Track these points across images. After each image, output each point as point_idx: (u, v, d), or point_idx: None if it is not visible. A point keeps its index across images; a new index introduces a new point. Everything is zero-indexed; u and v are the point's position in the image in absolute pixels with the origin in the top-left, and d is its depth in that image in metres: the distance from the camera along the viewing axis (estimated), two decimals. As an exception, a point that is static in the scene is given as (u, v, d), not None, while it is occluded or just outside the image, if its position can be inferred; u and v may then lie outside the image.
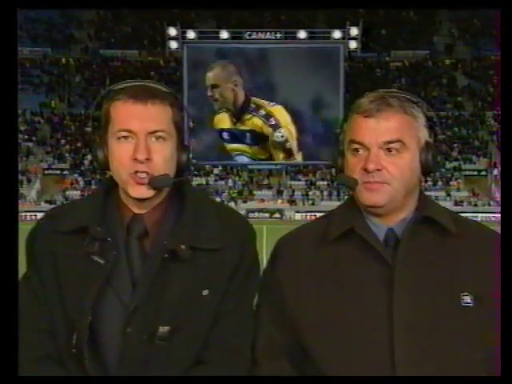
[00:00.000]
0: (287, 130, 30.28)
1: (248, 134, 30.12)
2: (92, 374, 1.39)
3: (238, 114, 29.99)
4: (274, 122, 29.93)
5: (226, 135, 30.68)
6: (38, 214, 22.65)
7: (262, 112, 29.89)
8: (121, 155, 1.41)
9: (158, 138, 1.42)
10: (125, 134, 1.41)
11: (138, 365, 1.40)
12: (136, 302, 1.41)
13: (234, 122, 30.27)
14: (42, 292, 1.46)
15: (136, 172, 1.40)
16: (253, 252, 1.55)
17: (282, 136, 30.22)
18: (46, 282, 1.46)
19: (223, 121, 30.42)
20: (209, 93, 29.54)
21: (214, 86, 29.39)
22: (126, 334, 1.40)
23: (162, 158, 1.42)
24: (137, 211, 1.48)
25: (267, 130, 29.94)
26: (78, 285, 1.42)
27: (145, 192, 1.42)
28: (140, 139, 1.40)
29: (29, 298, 1.47)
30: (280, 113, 30.12)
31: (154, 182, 1.42)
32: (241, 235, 1.53)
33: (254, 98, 29.93)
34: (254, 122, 29.84)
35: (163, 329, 1.40)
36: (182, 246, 1.42)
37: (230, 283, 1.47)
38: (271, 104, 30.25)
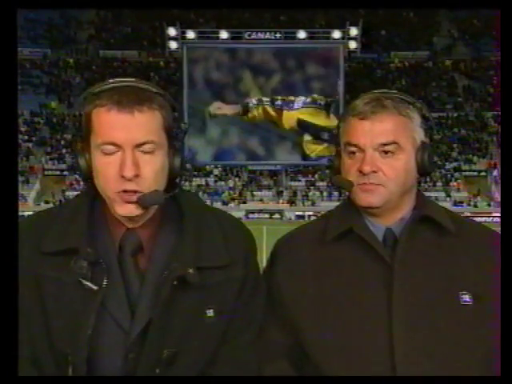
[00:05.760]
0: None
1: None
2: None
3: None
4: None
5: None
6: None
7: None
8: (106, 171, 1.26)
9: (146, 150, 1.26)
10: (110, 147, 1.25)
11: None
12: (138, 328, 1.29)
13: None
14: (22, 317, 1.28)
15: (124, 190, 1.25)
16: (256, 265, 1.48)
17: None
18: (27, 307, 1.30)
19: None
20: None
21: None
22: (127, 359, 1.29)
23: (152, 172, 1.27)
24: (130, 226, 1.34)
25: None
26: (68, 314, 1.27)
27: (134, 210, 1.28)
28: (127, 153, 1.24)
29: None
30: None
31: (144, 200, 1.27)
32: (244, 247, 1.44)
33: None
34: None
35: (168, 353, 1.30)
36: (190, 270, 1.29)
37: (236, 301, 1.38)
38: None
